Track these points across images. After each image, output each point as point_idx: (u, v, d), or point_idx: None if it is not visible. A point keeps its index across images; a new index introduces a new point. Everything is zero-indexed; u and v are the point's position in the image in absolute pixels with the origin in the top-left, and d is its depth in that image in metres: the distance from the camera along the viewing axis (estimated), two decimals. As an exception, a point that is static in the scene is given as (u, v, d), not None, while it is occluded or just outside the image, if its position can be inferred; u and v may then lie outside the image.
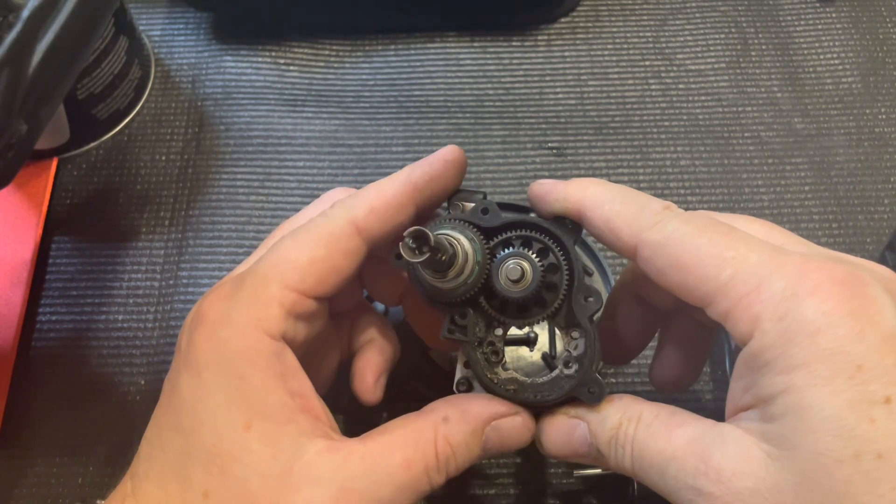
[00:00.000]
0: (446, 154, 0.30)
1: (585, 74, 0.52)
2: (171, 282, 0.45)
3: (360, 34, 0.53)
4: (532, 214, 0.32)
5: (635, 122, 0.50)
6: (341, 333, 0.34)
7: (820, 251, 0.26)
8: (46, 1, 0.31)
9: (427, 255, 0.26)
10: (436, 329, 0.34)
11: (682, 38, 0.53)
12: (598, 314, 0.30)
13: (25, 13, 0.31)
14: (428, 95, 0.51)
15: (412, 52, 0.52)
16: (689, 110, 0.50)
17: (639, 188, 0.47)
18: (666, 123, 0.50)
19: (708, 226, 0.26)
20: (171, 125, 0.50)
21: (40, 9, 0.31)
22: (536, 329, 0.32)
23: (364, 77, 0.52)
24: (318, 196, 0.47)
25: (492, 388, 0.30)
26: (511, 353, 0.34)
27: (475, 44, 0.53)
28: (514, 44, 0.53)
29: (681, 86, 0.51)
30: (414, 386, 0.41)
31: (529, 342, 0.33)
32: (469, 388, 0.31)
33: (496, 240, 0.30)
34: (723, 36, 0.53)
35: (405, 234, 0.26)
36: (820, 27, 0.53)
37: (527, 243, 0.30)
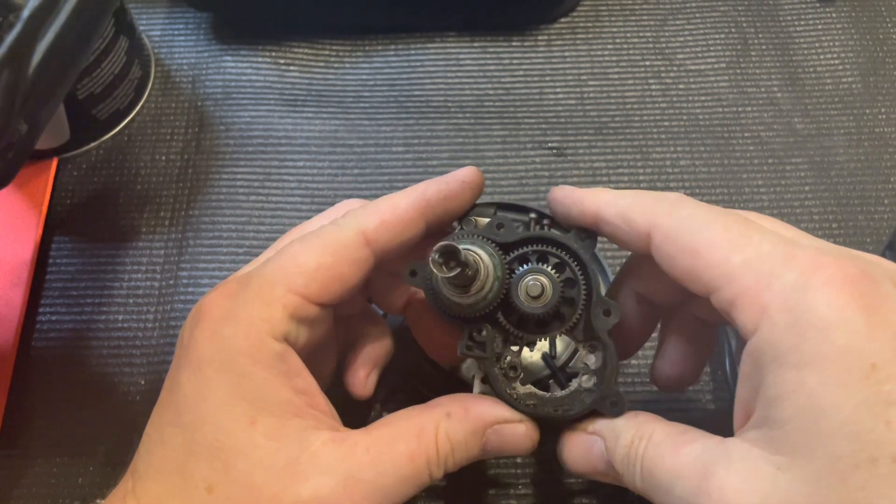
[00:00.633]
0: (465, 175, 0.30)
1: (585, 74, 0.52)
2: (171, 282, 0.45)
3: (360, 34, 0.53)
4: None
5: (635, 122, 0.50)
6: (339, 332, 0.34)
7: (832, 247, 0.26)
8: (46, 1, 0.31)
9: (457, 270, 0.26)
10: (438, 340, 0.34)
11: (682, 38, 0.53)
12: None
13: (25, 13, 0.31)
14: (428, 95, 0.51)
15: (412, 52, 0.52)
16: (689, 110, 0.50)
17: (639, 188, 0.48)
18: (666, 123, 0.50)
19: (723, 213, 0.26)
20: (171, 125, 0.50)
21: (40, 9, 0.31)
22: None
23: (364, 77, 0.52)
24: (317, 196, 0.47)
25: (511, 404, 0.30)
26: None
27: (475, 44, 0.53)
28: (514, 44, 0.53)
29: (681, 86, 0.51)
30: (414, 386, 0.41)
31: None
32: None
33: (512, 255, 0.30)
34: (723, 36, 0.53)
35: (434, 249, 0.26)
36: (820, 27, 0.53)
37: (543, 258, 0.30)
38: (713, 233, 0.25)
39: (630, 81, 0.51)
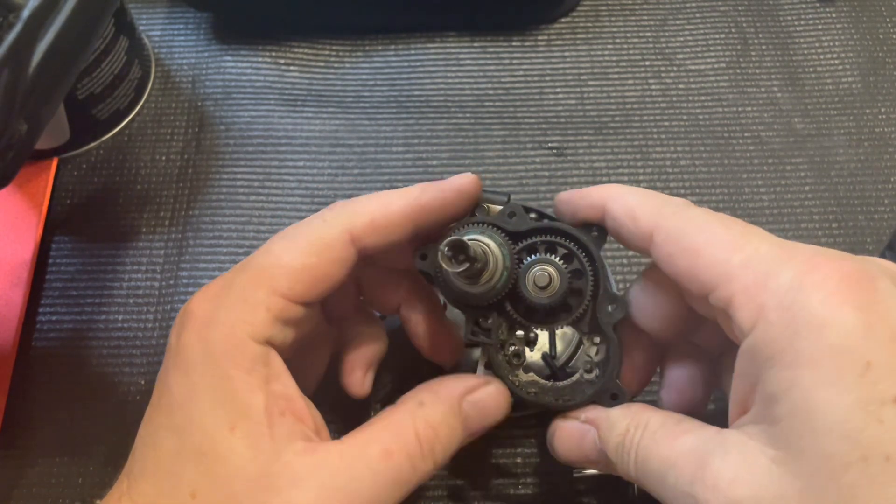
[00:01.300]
0: (462, 184, 0.30)
1: (585, 74, 0.52)
2: (171, 282, 0.45)
3: (360, 34, 0.53)
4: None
5: (635, 122, 0.50)
6: (331, 331, 0.34)
7: (829, 250, 0.26)
8: (47, 1, 0.31)
9: (465, 265, 0.26)
10: (433, 341, 0.34)
11: (682, 38, 0.53)
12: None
13: (26, 13, 0.31)
14: (428, 95, 0.51)
15: (412, 52, 0.52)
16: (689, 110, 0.50)
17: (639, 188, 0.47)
18: (666, 123, 0.50)
19: (725, 218, 0.27)
20: (171, 125, 0.50)
21: (40, 9, 0.31)
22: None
23: (364, 77, 0.52)
24: (317, 196, 0.47)
25: (513, 391, 0.30)
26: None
27: (475, 44, 0.53)
28: (514, 44, 0.53)
29: (681, 86, 0.51)
30: (414, 386, 0.41)
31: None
32: None
33: (522, 244, 0.30)
34: (723, 36, 0.53)
35: (442, 245, 0.26)
36: (820, 27, 0.53)
37: (552, 249, 0.30)
38: (714, 234, 0.26)
39: (630, 81, 0.51)
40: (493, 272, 0.28)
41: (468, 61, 0.52)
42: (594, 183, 0.48)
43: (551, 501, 0.39)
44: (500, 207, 0.31)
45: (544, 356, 0.39)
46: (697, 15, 0.53)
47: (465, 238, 0.28)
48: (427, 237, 0.32)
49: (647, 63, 0.52)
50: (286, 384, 0.28)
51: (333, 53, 0.53)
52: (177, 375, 0.27)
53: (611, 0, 0.54)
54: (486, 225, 0.30)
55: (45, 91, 0.33)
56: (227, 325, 0.27)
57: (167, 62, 0.52)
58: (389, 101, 0.51)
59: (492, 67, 0.52)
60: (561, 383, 0.31)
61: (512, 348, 0.31)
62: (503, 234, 0.30)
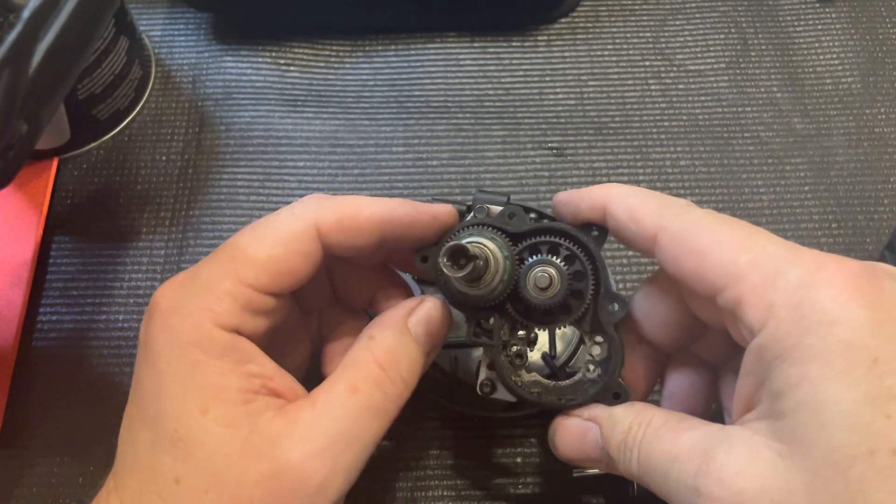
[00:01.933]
0: (439, 212, 0.31)
1: (585, 75, 0.52)
2: (172, 282, 0.45)
3: (360, 34, 0.53)
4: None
5: (635, 123, 0.50)
6: (310, 322, 0.34)
7: (832, 254, 0.26)
8: (47, 1, 0.31)
9: (468, 269, 0.26)
10: None
11: (682, 39, 0.53)
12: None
13: (26, 13, 0.31)
14: (428, 95, 0.51)
15: (412, 52, 0.52)
16: (688, 110, 0.50)
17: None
18: (666, 124, 0.50)
19: (729, 219, 0.27)
20: (171, 125, 0.50)
21: (41, 9, 0.31)
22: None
23: (364, 77, 0.52)
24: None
25: (516, 391, 0.30)
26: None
27: (475, 44, 0.53)
28: (514, 44, 0.53)
29: (680, 86, 0.51)
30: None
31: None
32: (493, 390, 0.32)
33: (522, 244, 0.30)
34: (723, 36, 0.53)
35: (441, 252, 0.26)
36: (820, 27, 0.53)
37: (553, 250, 0.30)
38: (720, 234, 0.26)
39: (630, 81, 0.51)
40: (494, 274, 0.29)
41: (468, 61, 0.52)
42: (594, 183, 0.48)
43: (551, 501, 0.39)
44: (500, 209, 0.31)
45: (544, 356, 0.39)
46: (697, 15, 0.54)
47: (466, 241, 0.28)
48: (392, 252, 0.32)
49: (647, 63, 0.52)
50: (262, 364, 0.28)
51: (333, 53, 0.53)
52: (146, 367, 0.27)
53: (611, 0, 0.54)
54: (485, 227, 0.30)
55: (46, 91, 0.33)
56: (193, 314, 0.27)
57: (167, 62, 0.52)
58: (389, 101, 0.51)
59: (492, 67, 0.52)
60: (563, 383, 0.32)
61: (514, 349, 0.31)
62: (503, 236, 0.30)
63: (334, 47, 0.53)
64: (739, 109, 0.50)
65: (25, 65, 0.31)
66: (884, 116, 0.50)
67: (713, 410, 0.32)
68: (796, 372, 0.23)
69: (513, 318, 0.31)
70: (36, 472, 0.40)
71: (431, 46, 0.53)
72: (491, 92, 0.51)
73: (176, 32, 0.53)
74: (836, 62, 0.52)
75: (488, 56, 0.52)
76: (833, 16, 0.53)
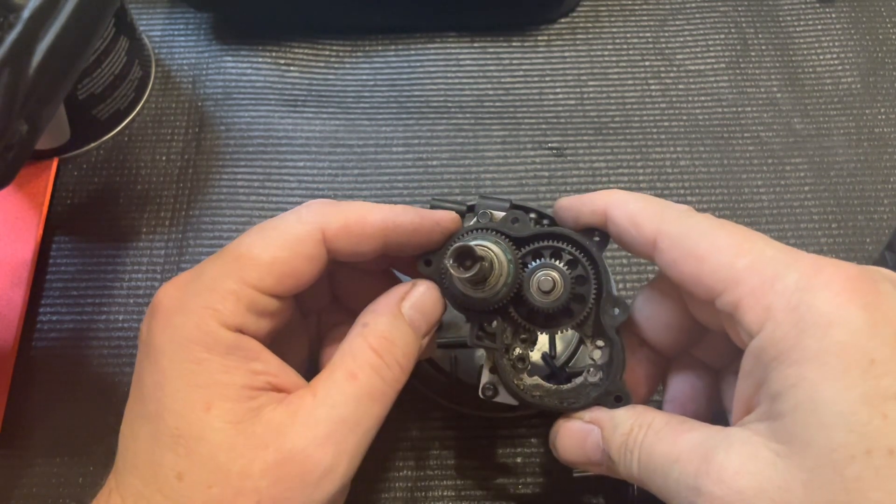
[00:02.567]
0: (442, 218, 0.31)
1: (585, 75, 0.52)
2: (172, 282, 0.45)
3: (360, 34, 0.53)
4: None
5: (635, 123, 0.50)
6: (309, 324, 0.35)
7: (829, 258, 0.27)
8: (47, 1, 0.31)
9: (475, 270, 0.26)
10: None
11: (682, 39, 0.53)
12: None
13: (26, 13, 0.31)
14: (428, 96, 0.51)
15: (412, 52, 0.52)
16: (688, 111, 0.50)
17: (639, 188, 0.48)
18: (666, 124, 0.50)
19: (727, 224, 0.27)
20: (171, 125, 0.50)
21: (41, 9, 0.31)
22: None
23: (364, 77, 0.52)
24: (318, 196, 0.47)
25: (518, 395, 0.31)
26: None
27: (475, 44, 0.53)
28: (514, 44, 0.53)
29: (681, 86, 0.51)
30: (413, 385, 0.41)
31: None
32: (495, 393, 0.32)
33: (526, 249, 0.30)
34: (723, 36, 0.53)
35: (448, 253, 0.26)
36: (820, 27, 0.53)
37: (556, 254, 0.30)
38: (718, 239, 0.26)
39: (630, 81, 0.51)
40: (498, 277, 0.29)
41: (468, 61, 0.52)
42: (594, 183, 0.48)
43: (552, 501, 0.39)
44: (503, 214, 0.31)
45: (544, 356, 0.39)
46: (697, 15, 0.54)
47: (471, 244, 0.28)
48: (394, 258, 0.32)
49: (647, 63, 0.52)
50: (267, 361, 0.28)
51: (333, 53, 0.53)
52: (147, 365, 0.27)
53: (611, 0, 0.54)
54: (489, 231, 0.30)
55: (46, 91, 0.33)
56: (197, 313, 0.27)
57: (167, 62, 0.52)
58: (389, 101, 0.51)
59: (492, 68, 0.52)
60: (565, 386, 0.32)
61: (516, 352, 0.31)
62: (507, 240, 0.30)
63: (334, 47, 0.53)
64: (739, 109, 0.50)
65: (25, 65, 0.31)
66: (884, 116, 0.50)
67: (715, 413, 0.32)
68: (794, 373, 0.23)
69: (515, 322, 0.31)
70: (36, 472, 0.40)
71: (431, 46, 0.53)
72: (491, 92, 0.51)
73: (176, 32, 0.53)
74: (836, 62, 0.52)
75: (488, 56, 0.52)
76: (833, 16, 0.53)
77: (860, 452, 0.21)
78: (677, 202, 0.30)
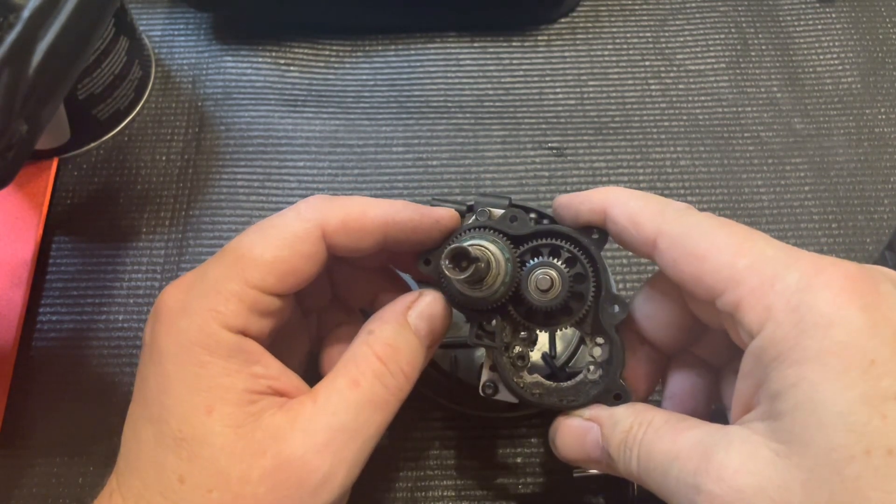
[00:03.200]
0: (442, 216, 0.31)
1: (585, 75, 0.52)
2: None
3: (360, 34, 0.53)
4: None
5: (635, 123, 0.50)
6: (309, 322, 0.35)
7: (830, 257, 0.26)
8: (47, 1, 0.31)
9: (470, 271, 0.26)
10: None
11: (682, 39, 0.53)
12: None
13: (26, 13, 0.31)
14: (428, 95, 0.51)
15: (412, 52, 0.52)
16: (688, 110, 0.50)
17: (638, 188, 0.47)
18: (666, 124, 0.50)
19: (728, 222, 0.27)
20: (171, 125, 0.50)
21: (41, 9, 0.31)
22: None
23: (364, 77, 0.52)
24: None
25: (518, 393, 0.31)
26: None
27: (475, 44, 0.53)
28: (514, 44, 0.53)
29: (681, 86, 0.51)
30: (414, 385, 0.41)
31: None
32: (495, 391, 0.32)
33: (524, 247, 0.30)
34: (723, 36, 0.53)
35: (444, 255, 0.26)
36: (820, 27, 0.53)
37: (554, 252, 0.30)
38: (718, 239, 0.26)
39: (630, 81, 0.51)
40: (496, 277, 0.29)
41: (468, 61, 0.52)
42: (594, 183, 0.48)
43: (551, 501, 0.39)
44: (502, 212, 0.31)
45: (544, 356, 0.39)
46: (697, 15, 0.54)
47: (467, 244, 0.28)
48: (393, 254, 0.32)
49: (647, 63, 0.52)
50: (268, 364, 0.28)
51: (333, 53, 0.53)
52: (151, 367, 0.27)
53: (611, 0, 0.54)
54: (487, 230, 0.30)
55: (46, 91, 0.33)
56: (200, 315, 0.27)
57: (167, 62, 0.52)
58: (389, 101, 0.51)
59: (492, 67, 0.52)
60: (565, 384, 0.32)
61: (516, 350, 0.31)
62: (504, 239, 0.30)
63: (334, 47, 0.53)
64: (739, 109, 0.50)
65: (25, 64, 0.31)
66: (884, 116, 0.50)
67: (714, 411, 0.32)
68: (794, 373, 0.23)
69: (515, 320, 0.31)
70: (36, 472, 0.40)
71: (431, 46, 0.53)
72: (491, 92, 0.51)
73: (176, 32, 0.53)
74: (836, 62, 0.52)
75: (488, 56, 0.52)
76: (833, 16, 0.53)
77: (859, 452, 0.21)
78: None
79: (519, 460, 0.40)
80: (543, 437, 0.40)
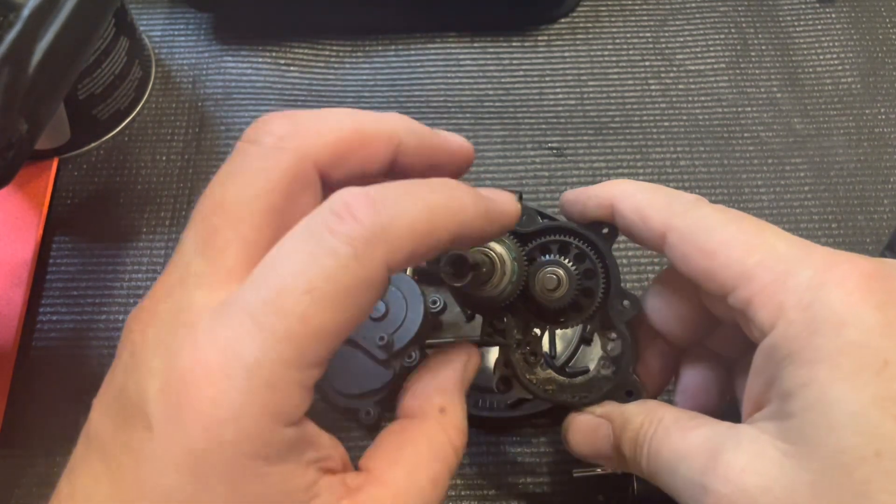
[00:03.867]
0: (458, 146, 0.27)
1: (585, 75, 0.52)
2: (172, 282, 0.45)
3: (360, 34, 0.53)
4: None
5: (635, 123, 0.50)
6: None
7: (844, 251, 0.26)
8: (46, 0, 0.31)
9: (470, 276, 0.26)
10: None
11: (682, 39, 0.53)
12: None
13: (26, 12, 0.31)
14: (428, 96, 0.51)
15: (412, 52, 0.52)
16: (688, 110, 0.50)
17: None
18: (666, 124, 0.50)
19: (738, 216, 0.26)
20: (171, 125, 0.50)
21: (40, 8, 0.31)
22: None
23: (364, 77, 0.52)
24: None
25: (531, 389, 0.31)
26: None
27: (475, 44, 0.53)
28: (514, 44, 0.53)
29: (680, 86, 0.51)
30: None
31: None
32: (509, 388, 0.32)
33: (533, 244, 0.30)
34: (723, 36, 0.53)
35: (443, 262, 0.26)
36: (820, 27, 0.53)
37: (563, 249, 0.30)
38: (729, 234, 0.26)
39: (630, 81, 0.51)
40: (501, 277, 0.29)
41: (468, 61, 0.52)
42: (594, 183, 0.48)
43: (551, 501, 0.39)
44: None
45: (544, 356, 0.39)
46: (697, 15, 0.54)
47: (472, 247, 0.28)
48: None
49: (647, 63, 0.52)
50: (319, 442, 0.23)
51: (333, 53, 0.53)
52: (178, 476, 0.20)
53: (611, 0, 0.54)
54: None
55: (46, 91, 0.33)
56: (255, 420, 0.20)
57: (167, 62, 0.52)
58: (390, 101, 0.51)
59: (492, 68, 0.52)
60: (577, 380, 0.32)
61: (528, 347, 0.32)
62: (512, 237, 0.30)
63: (334, 47, 0.53)
64: (739, 109, 0.50)
65: (25, 64, 0.31)
66: (884, 116, 0.50)
67: (728, 405, 0.32)
68: (805, 373, 0.22)
69: (526, 317, 0.31)
70: (36, 472, 0.40)
71: (431, 46, 0.53)
72: (491, 92, 0.51)
73: (176, 32, 0.53)
74: (836, 62, 0.52)
75: (488, 56, 0.52)
76: (833, 16, 0.53)
77: (869, 454, 0.21)
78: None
79: (519, 460, 0.40)
80: (543, 437, 0.40)
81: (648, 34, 0.53)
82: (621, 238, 0.30)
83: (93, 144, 0.49)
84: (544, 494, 0.39)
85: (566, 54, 0.52)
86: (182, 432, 0.20)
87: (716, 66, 0.52)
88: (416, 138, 0.25)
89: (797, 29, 0.53)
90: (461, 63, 0.52)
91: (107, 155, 0.49)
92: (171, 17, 0.54)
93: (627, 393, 0.30)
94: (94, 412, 0.23)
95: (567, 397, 0.31)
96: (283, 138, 0.23)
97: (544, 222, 0.31)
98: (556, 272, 0.29)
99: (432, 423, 0.26)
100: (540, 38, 0.53)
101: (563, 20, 0.53)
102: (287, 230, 0.22)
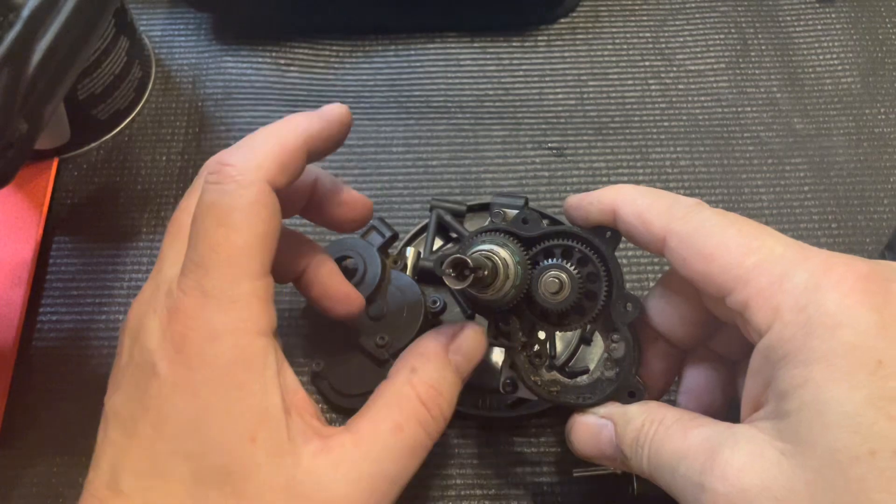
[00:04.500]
0: (342, 116, 0.32)
1: (585, 75, 0.52)
2: (172, 282, 0.45)
3: (360, 34, 0.53)
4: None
5: (635, 123, 0.50)
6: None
7: (839, 253, 0.26)
8: (46, 0, 0.31)
9: (470, 278, 0.26)
10: (341, 297, 0.35)
11: (681, 39, 0.53)
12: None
13: (26, 12, 0.31)
14: (428, 96, 0.51)
15: (412, 52, 0.52)
16: (688, 111, 0.50)
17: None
18: (666, 124, 0.50)
19: (738, 219, 0.27)
20: (171, 125, 0.50)
21: (40, 8, 0.31)
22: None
23: (364, 77, 0.52)
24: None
25: (536, 391, 0.31)
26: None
27: (475, 44, 0.53)
28: (514, 44, 0.53)
29: (680, 86, 0.51)
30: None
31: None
32: (514, 389, 0.33)
33: (537, 248, 0.31)
34: (722, 36, 0.53)
35: (444, 264, 0.26)
36: (820, 27, 0.53)
37: (567, 253, 0.30)
38: (727, 237, 0.26)
39: (630, 81, 0.51)
40: (504, 281, 0.29)
41: (468, 61, 0.52)
42: (594, 183, 0.48)
43: (551, 500, 0.39)
44: (516, 212, 0.32)
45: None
46: (697, 15, 0.54)
47: (477, 249, 0.28)
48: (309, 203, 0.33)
49: (647, 63, 0.52)
50: (287, 375, 0.27)
51: (333, 53, 0.53)
52: (183, 399, 0.25)
53: (611, 0, 0.54)
54: (499, 232, 0.30)
55: (46, 90, 0.33)
56: (229, 333, 0.26)
57: (167, 62, 0.52)
58: (389, 101, 0.51)
59: (492, 68, 0.52)
60: (581, 381, 0.33)
61: (534, 348, 0.32)
62: (515, 241, 0.30)
63: (334, 47, 0.53)
64: (739, 109, 0.50)
65: (25, 64, 0.31)
66: (884, 116, 0.50)
67: (732, 405, 0.32)
68: (801, 373, 0.23)
69: (531, 319, 0.31)
70: (36, 472, 0.40)
71: (431, 46, 0.53)
72: (491, 92, 0.51)
73: (176, 32, 0.53)
74: (836, 62, 0.52)
75: (488, 56, 0.52)
76: (833, 16, 0.53)
77: (864, 453, 0.21)
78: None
79: (519, 459, 0.40)
80: (543, 436, 0.40)
81: (648, 34, 0.53)
82: (622, 239, 0.31)
83: (93, 144, 0.49)
84: (544, 494, 0.39)
85: (566, 54, 0.52)
86: (167, 360, 0.26)
87: (716, 66, 0.52)
88: (319, 128, 0.31)
89: (797, 29, 0.53)
90: (461, 63, 0.52)
91: (107, 155, 0.49)
92: (170, 17, 0.54)
93: (630, 394, 0.30)
94: (107, 399, 0.28)
95: (571, 398, 0.31)
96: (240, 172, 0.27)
97: (548, 227, 0.31)
98: (559, 276, 0.30)
99: (400, 379, 0.29)
100: (540, 38, 0.53)
101: (563, 20, 0.53)
102: None
